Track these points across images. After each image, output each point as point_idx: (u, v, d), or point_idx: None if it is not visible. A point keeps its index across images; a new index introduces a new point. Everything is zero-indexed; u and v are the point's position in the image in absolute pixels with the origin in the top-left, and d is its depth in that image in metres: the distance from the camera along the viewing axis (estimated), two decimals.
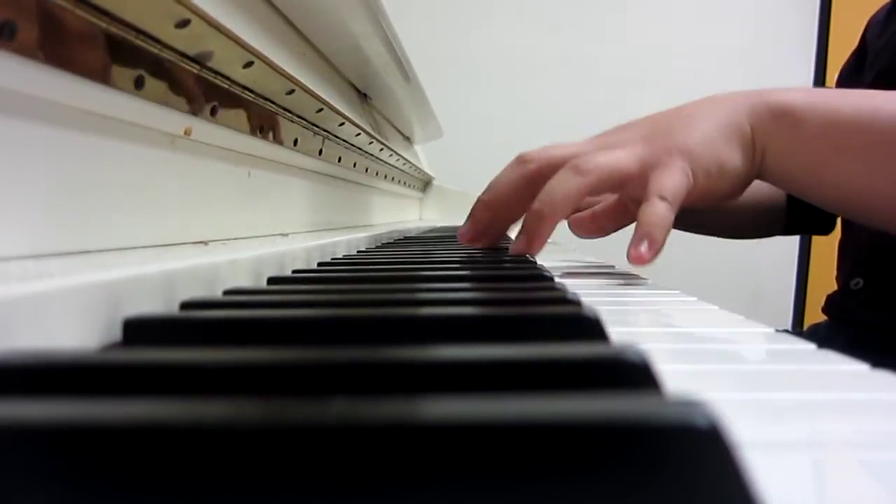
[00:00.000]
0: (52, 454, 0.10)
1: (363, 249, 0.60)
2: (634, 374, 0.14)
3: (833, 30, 1.96)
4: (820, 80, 1.96)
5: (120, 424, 0.10)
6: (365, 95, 0.86)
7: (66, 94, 0.25)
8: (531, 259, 0.46)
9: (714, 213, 0.66)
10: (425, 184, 1.38)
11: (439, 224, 1.27)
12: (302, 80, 0.45)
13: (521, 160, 0.51)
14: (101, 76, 0.26)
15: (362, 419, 0.10)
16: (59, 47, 0.23)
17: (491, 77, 2.02)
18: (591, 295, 0.38)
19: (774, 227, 0.78)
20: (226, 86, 0.37)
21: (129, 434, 0.10)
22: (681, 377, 0.20)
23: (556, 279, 0.34)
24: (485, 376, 0.14)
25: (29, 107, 0.23)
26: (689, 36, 1.99)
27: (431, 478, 0.09)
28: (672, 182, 0.45)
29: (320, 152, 0.58)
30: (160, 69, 0.30)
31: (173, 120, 0.33)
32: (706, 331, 0.28)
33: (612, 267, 0.56)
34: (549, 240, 0.49)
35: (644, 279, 0.46)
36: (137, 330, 0.20)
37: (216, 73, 0.36)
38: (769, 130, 0.48)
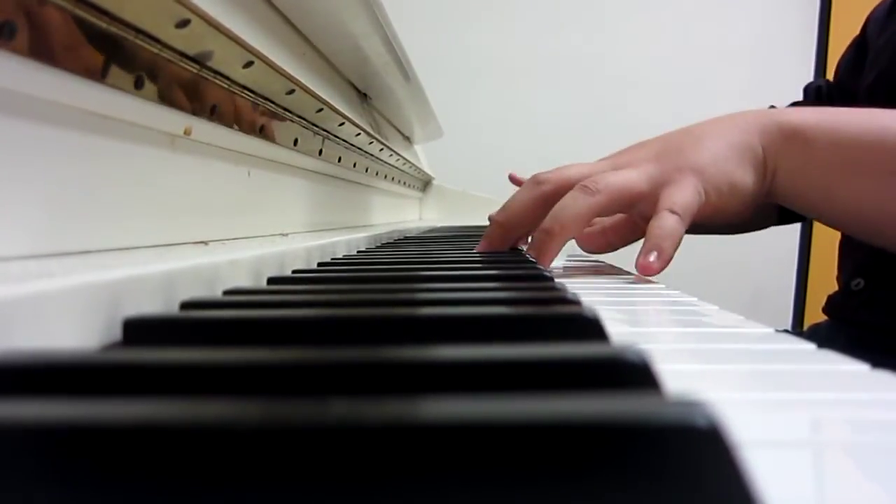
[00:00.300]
0: (52, 454, 0.10)
1: (363, 249, 0.60)
2: (634, 374, 0.14)
3: (833, 30, 1.96)
4: (819, 78, 1.96)
5: (120, 424, 0.10)
6: (365, 95, 0.86)
7: (65, 94, 0.25)
8: (531, 259, 0.46)
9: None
10: (425, 184, 1.38)
11: (439, 224, 1.27)
12: (302, 80, 0.45)
13: (535, 181, 0.51)
14: (100, 76, 0.26)
15: (362, 419, 0.10)
16: (58, 47, 0.23)
17: (491, 77, 2.02)
18: (591, 295, 0.38)
19: (769, 219, 0.78)
20: (226, 86, 0.37)
21: (129, 434, 0.10)
22: (681, 377, 0.20)
23: (556, 279, 0.34)
24: (485, 376, 0.14)
25: (29, 107, 0.23)
26: (689, 36, 1.99)
27: (432, 478, 0.09)
28: (683, 197, 0.45)
29: (320, 152, 0.58)
30: (160, 69, 0.30)
31: (173, 120, 0.33)
32: (706, 331, 0.28)
33: (612, 267, 0.56)
34: None
35: (644, 279, 0.46)
36: (137, 330, 0.20)
37: (216, 72, 0.36)
38: (780, 150, 0.48)
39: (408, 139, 1.24)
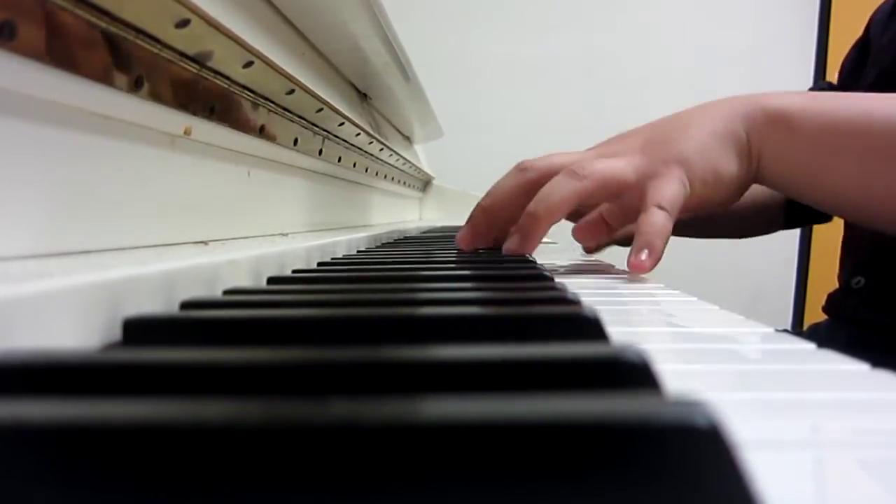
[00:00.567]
0: (52, 454, 0.10)
1: (363, 249, 0.60)
2: (634, 373, 0.14)
3: (833, 30, 1.96)
4: (820, 79, 1.96)
5: (120, 424, 0.10)
6: (365, 95, 0.86)
7: (65, 94, 0.25)
8: (531, 259, 0.46)
9: (716, 215, 0.67)
10: (425, 184, 1.38)
11: (439, 224, 1.27)
12: (302, 80, 0.45)
13: (520, 168, 0.51)
14: (100, 76, 0.26)
15: (362, 419, 0.10)
16: (58, 47, 0.23)
17: (491, 77, 2.02)
18: (591, 294, 0.38)
19: (776, 223, 0.79)
20: (226, 86, 0.37)
21: (129, 434, 0.10)
22: (681, 377, 0.20)
23: (556, 279, 0.34)
24: (484, 376, 0.14)
25: (29, 107, 0.23)
26: (690, 36, 1.99)
27: (432, 478, 0.09)
28: (669, 191, 0.46)
29: (320, 152, 0.58)
30: (160, 69, 0.30)
31: (173, 120, 0.33)
32: (706, 331, 0.28)
33: (612, 266, 0.56)
34: (550, 240, 0.49)
35: (644, 279, 0.46)
36: (137, 330, 0.20)
37: (216, 72, 0.36)
38: (764, 136, 0.48)
39: (408, 139, 1.24)
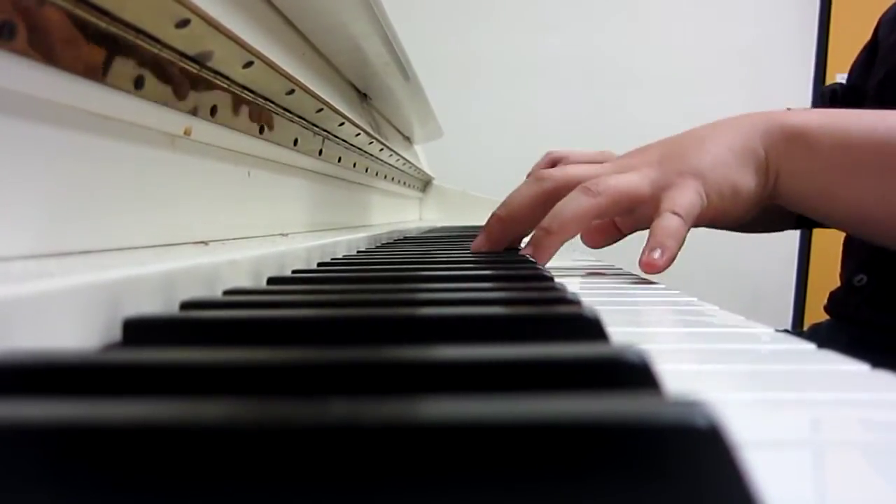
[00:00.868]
0: (51, 454, 0.10)
1: (363, 249, 0.60)
2: (634, 374, 0.14)
3: (833, 30, 1.96)
4: (820, 79, 1.96)
5: (120, 424, 0.10)
6: (365, 95, 0.86)
7: (65, 94, 0.25)
8: (531, 259, 0.46)
9: None
10: (425, 184, 1.38)
11: (439, 224, 1.27)
12: (302, 80, 0.45)
13: (537, 178, 0.51)
14: (100, 76, 0.26)
15: (362, 420, 0.10)
16: (58, 47, 0.23)
17: (491, 77, 2.02)
18: (591, 295, 0.38)
19: (785, 222, 0.79)
20: (226, 86, 0.37)
21: (129, 434, 0.10)
22: (681, 377, 0.20)
23: (556, 279, 0.34)
24: (485, 376, 0.14)
25: (29, 107, 0.23)
26: (689, 36, 1.99)
27: (431, 478, 0.09)
28: (685, 200, 0.46)
29: (320, 152, 0.58)
30: (160, 69, 0.30)
31: (173, 120, 0.33)
32: (706, 331, 0.28)
33: (612, 267, 0.57)
34: None
35: (644, 279, 0.46)
36: (137, 330, 0.20)
37: (216, 72, 0.36)
38: (782, 153, 0.48)
39: (408, 139, 1.24)
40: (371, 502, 0.09)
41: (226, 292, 0.28)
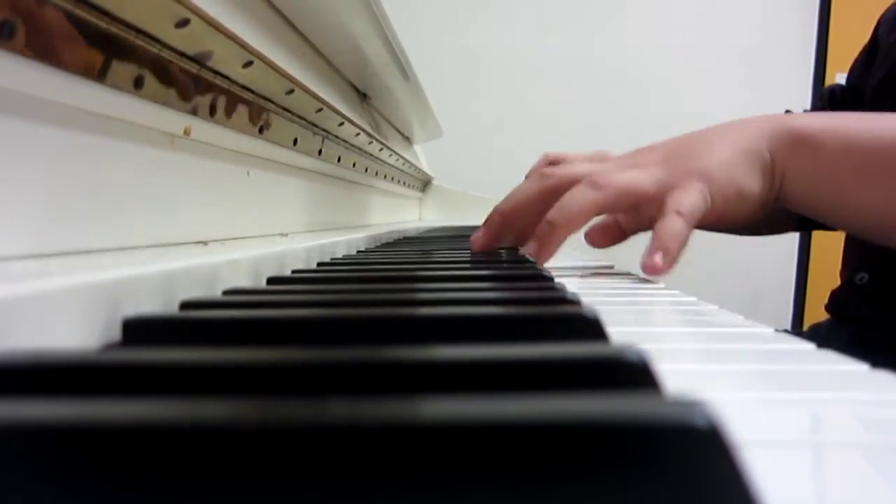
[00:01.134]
0: (51, 454, 0.10)
1: (363, 249, 0.60)
2: (634, 373, 0.14)
3: (833, 30, 1.96)
4: (820, 79, 1.97)
5: (120, 424, 0.10)
6: (365, 95, 0.86)
7: (65, 94, 0.25)
8: (531, 259, 0.46)
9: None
10: (425, 184, 1.38)
11: (439, 224, 1.27)
12: (301, 80, 0.45)
13: (541, 174, 0.51)
14: (100, 76, 0.26)
15: (362, 420, 0.10)
16: (58, 47, 0.23)
17: (491, 77, 2.02)
18: (591, 295, 0.38)
19: (787, 225, 0.79)
20: (225, 85, 0.37)
21: (129, 434, 0.10)
22: (680, 377, 0.20)
23: (556, 279, 0.34)
24: (484, 376, 0.14)
25: (29, 107, 0.23)
26: (689, 36, 1.99)
27: (431, 478, 0.09)
28: (689, 200, 0.45)
29: (320, 152, 0.58)
30: (160, 69, 0.30)
31: (173, 120, 0.33)
32: (706, 331, 0.28)
33: (612, 267, 0.57)
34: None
35: (644, 279, 0.46)
36: (137, 330, 0.20)
37: (216, 72, 0.36)
38: (788, 156, 0.48)
39: (407, 139, 1.24)
40: (371, 502, 0.09)
41: (225, 292, 0.28)
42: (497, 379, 0.14)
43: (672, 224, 0.44)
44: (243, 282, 0.32)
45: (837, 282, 0.76)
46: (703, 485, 0.09)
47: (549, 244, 0.47)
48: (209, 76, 0.35)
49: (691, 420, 0.10)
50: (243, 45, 0.36)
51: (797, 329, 1.12)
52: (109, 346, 0.20)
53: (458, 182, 1.46)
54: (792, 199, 0.50)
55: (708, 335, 0.27)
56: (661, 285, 0.43)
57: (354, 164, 0.73)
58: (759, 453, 0.13)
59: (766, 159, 0.49)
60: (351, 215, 0.77)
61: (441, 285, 0.33)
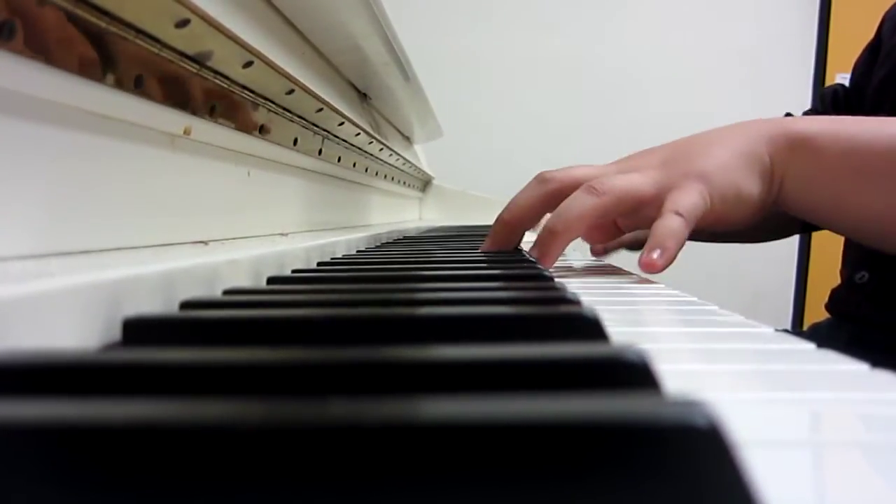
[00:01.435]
0: (52, 454, 0.10)
1: (363, 249, 0.60)
2: (634, 373, 0.14)
3: (833, 30, 1.96)
4: (820, 79, 1.97)
5: (120, 424, 0.10)
6: (365, 95, 0.86)
7: (65, 94, 0.25)
8: (531, 259, 0.46)
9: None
10: (425, 183, 1.38)
11: (439, 224, 1.27)
12: (301, 80, 0.45)
13: (541, 179, 0.51)
14: (100, 76, 0.26)
15: (362, 419, 0.10)
16: (58, 47, 0.23)
17: (491, 77, 2.02)
18: (591, 295, 0.38)
19: (790, 228, 0.78)
20: (225, 85, 0.37)
21: (129, 434, 0.10)
22: (680, 377, 0.20)
23: (556, 279, 0.34)
24: (484, 376, 0.14)
25: (28, 107, 0.23)
26: (690, 36, 1.99)
27: (431, 478, 0.09)
28: (688, 201, 0.45)
29: (320, 152, 0.58)
30: (160, 69, 0.30)
31: (173, 120, 0.33)
32: (706, 331, 0.28)
33: (612, 266, 0.57)
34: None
35: (643, 279, 0.46)
36: (137, 330, 0.20)
37: (216, 72, 0.36)
38: (787, 159, 0.48)
39: (408, 139, 1.24)
40: (371, 502, 0.09)
41: (225, 292, 0.28)
42: (497, 379, 0.14)
43: (670, 223, 0.44)
44: (243, 282, 0.32)
45: (837, 281, 0.76)
46: (703, 484, 0.09)
47: (551, 251, 0.47)
48: (209, 76, 0.35)
49: (691, 420, 0.10)
50: (243, 45, 0.36)
51: (797, 329, 1.12)
52: (109, 346, 0.20)
53: (458, 182, 1.46)
54: (791, 203, 0.50)
55: (708, 335, 0.27)
56: (661, 285, 0.43)
57: (354, 164, 0.73)
58: (759, 453, 0.13)
59: (766, 162, 0.49)
60: (351, 215, 0.77)
61: (441, 285, 0.33)
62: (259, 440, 0.10)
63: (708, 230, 0.49)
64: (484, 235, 0.54)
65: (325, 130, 0.57)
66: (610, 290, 0.41)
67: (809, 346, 0.24)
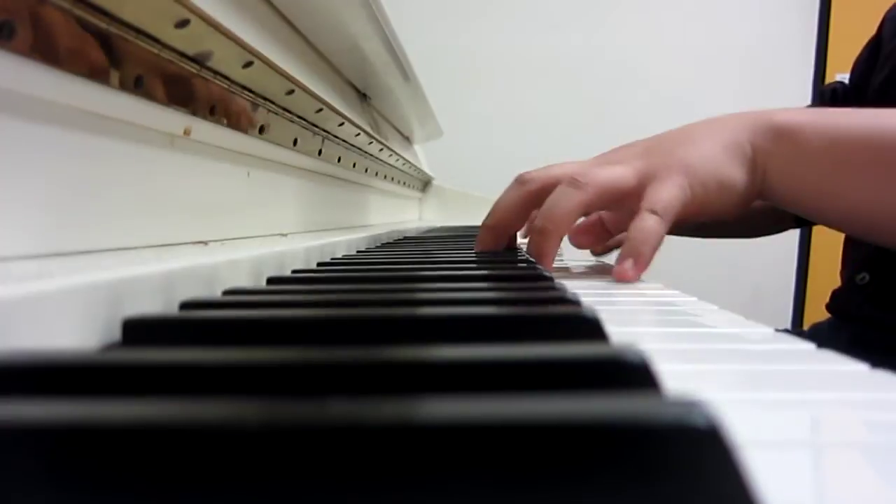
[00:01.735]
0: (52, 454, 0.10)
1: (363, 249, 0.60)
2: (634, 374, 0.14)
3: (833, 30, 1.97)
4: (820, 79, 1.97)
5: (120, 424, 0.10)
6: (365, 95, 0.86)
7: (65, 94, 0.25)
8: (531, 259, 0.46)
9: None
10: (425, 184, 1.38)
11: (439, 224, 1.27)
12: (301, 80, 0.45)
13: (520, 181, 0.51)
14: (100, 76, 0.26)
15: (362, 420, 0.10)
16: (58, 47, 0.23)
17: (491, 77, 2.02)
18: (591, 295, 0.38)
19: (784, 222, 0.78)
20: (225, 86, 0.37)
21: (129, 434, 0.10)
22: (680, 377, 0.20)
23: (556, 279, 0.34)
24: (484, 376, 0.14)
25: (28, 107, 0.23)
26: (690, 36, 1.99)
27: (431, 478, 0.09)
28: (666, 195, 0.45)
29: (320, 152, 0.58)
30: (160, 69, 0.30)
31: (173, 120, 0.33)
32: (705, 331, 0.28)
33: (611, 267, 0.56)
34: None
35: (644, 280, 0.46)
36: (137, 330, 0.20)
37: (216, 72, 0.36)
38: (771, 149, 0.48)
39: (407, 139, 1.24)
40: (371, 502, 0.09)
41: (225, 292, 0.28)
42: (497, 379, 0.14)
43: (644, 224, 0.44)
44: (243, 282, 0.32)
45: (837, 281, 0.76)
46: (703, 485, 0.09)
47: (545, 253, 0.47)
48: (209, 76, 0.35)
49: (691, 420, 0.10)
50: (243, 46, 0.36)
51: (797, 329, 1.12)
52: (109, 346, 0.20)
53: (458, 182, 1.46)
54: (776, 194, 0.50)
55: (707, 335, 0.27)
56: (661, 285, 0.43)
57: (354, 165, 0.73)
58: (759, 453, 0.13)
59: (748, 152, 0.49)
60: (351, 215, 0.77)
61: (441, 285, 0.33)
62: (259, 440, 0.10)
63: (692, 220, 0.49)
64: None
65: (324, 131, 0.57)
66: (610, 290, 0.41)
67: (809, 347, 0.24)
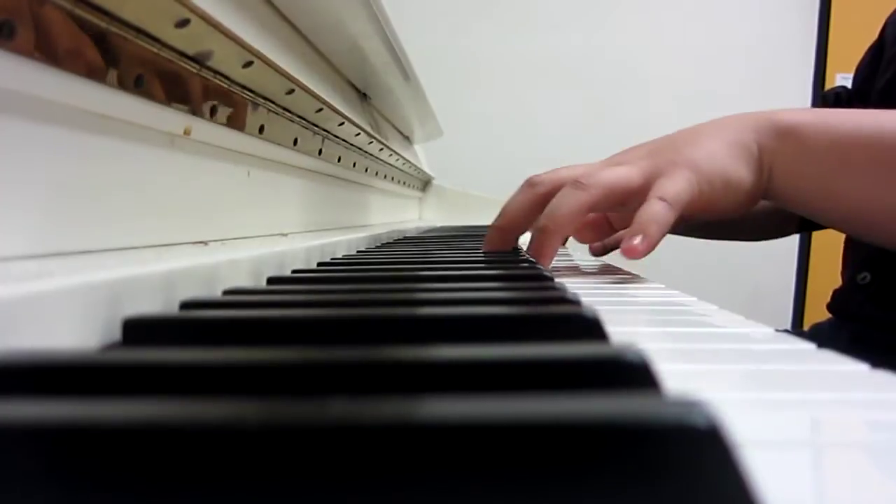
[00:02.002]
0: (52, 454, 0.10)
1: (363, 249, 0.60)
2: (634, 373, 0.14)
3: (833, 30, 1.97)
4: (820, 79, 1.97)
5: (120, 424, 0.10)
6: (365, 95, 0.86)
7: (65, 94, 0.25)
8: (531, 259, 0.46)
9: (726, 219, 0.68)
10: (425, 183, 1.38)
11: (439, 224, 1.27)
12: (302, 80, 0.45)
13: (530, 183, 0.52)
14: (100, 76, 0.26)
15: (362, 419, 0.10)
16: (57, 47, 0.23)
17: (491, 77, 2.02)
18: (591, 294, 0.38)
19: (788, 227, 0.78)
20: (225, 85, 0.37)
21: (130, 434, 0.10)
22: (680, 377, 0.20)
23: (556, 279, 0.34)
24: (484, 376, 0.14)
25: (28, 107, 0.23)
26: (690, 36, 1.99)
27: (431, 478, 0.09)
28: (675, 187, 0.45)
29: (320, 152, 0.58)
30: (160, 69, 0.30)
31: (173, 120, 0.33)
32: (705, 331, 0.28)
33: (612, 267, 0.57)
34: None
35: (643, 279, 0.46)
36: (137, 330, 0.20)
37: (216, 72, 0.36)
38: (775, 149, 0.49)
39: (407, 139, 1.24)
40: (371, 502, 0.09)
41: (225, 292, 0.28)
42: (497, 379, 0.14)
43: (654, 207, 0.44)
44: (243, 282, 0.32)
45: (837, 281, 0.76)
46: (703, 484, 0.09)
47: (545, 251, 0.47)
48: (209, 76, 0.35)
49: (691, 420, 0.10)
50: (243, 45, 0.36)
51: (797, 329, 1.12)
52: (109, 346, 0.20)
53: (458, 182, 1.46)
54: (780, 193, 0.50)
55: (707, 335, 0.27)
56: (661, 285, 0.43)
57: (354, 164, 0.73)
58: (759, 453, 0.13)
59: (754, 151, 0.49)
60: (351, 215, 0.77)
61: (441, 285, 0.33)
62: (259, 441, 0.10)
63: (698, 218, 0.49)
64: (484, 235, 0.54)
65: (324, 130, 0.57)
66: (610, 290, 0.41)
67: (810, 347, 0.24)
